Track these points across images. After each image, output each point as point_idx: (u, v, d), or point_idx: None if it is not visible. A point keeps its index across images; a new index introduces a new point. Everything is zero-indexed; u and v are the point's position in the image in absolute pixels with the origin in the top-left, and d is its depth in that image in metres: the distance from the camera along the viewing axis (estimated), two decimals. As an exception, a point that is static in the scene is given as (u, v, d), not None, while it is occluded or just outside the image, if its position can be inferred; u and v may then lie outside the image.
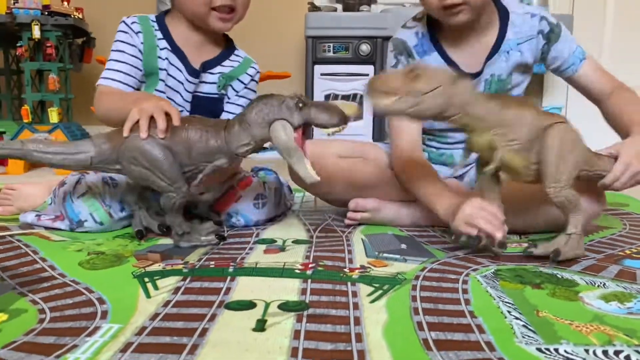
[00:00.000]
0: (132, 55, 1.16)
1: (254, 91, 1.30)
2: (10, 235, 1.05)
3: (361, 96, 2.55)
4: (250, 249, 1.00)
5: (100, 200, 1.09)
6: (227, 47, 1.27)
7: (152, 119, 0.98)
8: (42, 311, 0.69)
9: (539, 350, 0.61)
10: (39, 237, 1.05)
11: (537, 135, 0.95)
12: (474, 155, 1.25)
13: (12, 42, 2.39)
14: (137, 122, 0.97)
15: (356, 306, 0.72)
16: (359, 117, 2.59)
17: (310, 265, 0.87)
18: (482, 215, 0.97)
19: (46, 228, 1.10)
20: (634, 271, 0.89)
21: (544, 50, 1.21)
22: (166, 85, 1.19)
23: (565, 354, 0.60)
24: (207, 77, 1.23)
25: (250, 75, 1.27)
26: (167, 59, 1.19)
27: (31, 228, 1.11)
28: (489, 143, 0.94)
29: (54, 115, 2.06)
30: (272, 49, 2.84)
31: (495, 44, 1.20)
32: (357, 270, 0.87)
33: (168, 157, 0.97)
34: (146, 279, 0.81)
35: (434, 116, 0.92)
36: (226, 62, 1.25)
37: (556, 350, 0.61)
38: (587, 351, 0.61)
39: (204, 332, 0.63)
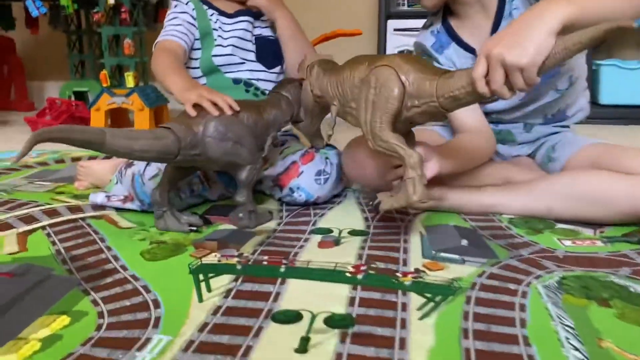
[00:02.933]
0: (187, 21, 1.27)
1: None
2: (83, 219, 1.11)
3: (436, 53, 2.43)
4: (306, 240, 1.00)
5: None
6: None
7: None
8: (101, 315, 0.72)
9: (594, 395, 0.57)
10: (108, 221, 1.10)
11: (358, 90, 0.96)
12: (539, 131, 1.25)
13: (92, 4, 2.46)
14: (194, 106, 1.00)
15: (403, 324, 0.70)
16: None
17: (362, 268, 0.86)
18: None
19: (117, 209, 1.16)
20: None
21: None
22: (224, 38, 1.28)
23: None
24: (257, 22, 1.33)
25: None
26: (218, 20, 1.29)
27: (102, 209, 1.17)
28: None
29: (130, 80, 2.13)
30: (342, 3, 2.74)
31: (497, 12, 1.15)
32: (410, 275, 0.84)
33: (249, 130, 1.02)
34: (200, 277, 0.83)
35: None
36: None
37: (614, 396, 0.57)
38: (649, 400, 0.56)
39: (248, 351, 0.64)
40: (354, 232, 1.04)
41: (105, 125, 2.21)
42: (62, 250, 0.95)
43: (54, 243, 0.98)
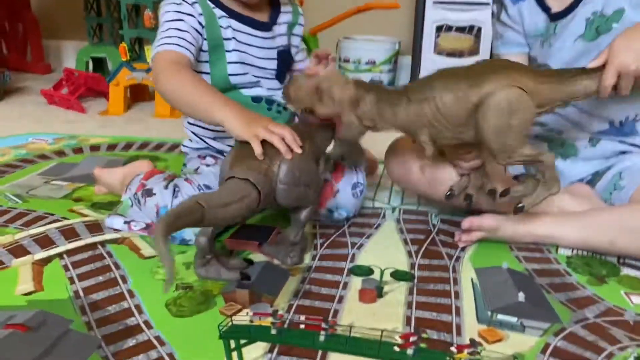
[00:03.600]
0: (194, 28, 1.04)
1: (305, 49, 1.25)
2: (102, 244, 1.03)
3: (478, 29, 2.24)
4: (345, 285, 0.91)
5: None
6: (272, 2, 1.17)
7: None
8: (123, 401, 0.65)
9: None
10: (130, 247, 1.02)
11: (468, 114, 0.88)
12: (605, 147, 1.14)
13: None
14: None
15: None
16: (474, 52, 2.30)
17: (411, 339, 0.77)
18: None
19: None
20: None
21: None
22: (239, 51, 1.09)
23: None
24: (277, 29, 1.16)
25: (302, 25, 1.22)
26: (229, 26, 1.08)
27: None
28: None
29: (149, 55, 1.99)
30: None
31: None
32: (466, 351, 0.75)
33: (316, 168, 0.92)
34: (232, 344, 0.75)
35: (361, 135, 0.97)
36: (283, 9, 1.17)
37: None
38: None
39: None
40: (397, 275, 0.94)
41: (125, 100, 2.09)
42: (81, 292, 0.87)
43: (71, 280, 0.91)
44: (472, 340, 0.77)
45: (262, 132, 0.86)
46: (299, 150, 0.87)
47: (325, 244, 1.05)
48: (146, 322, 0.80)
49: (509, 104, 0.86)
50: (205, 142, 1.16)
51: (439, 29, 2.27)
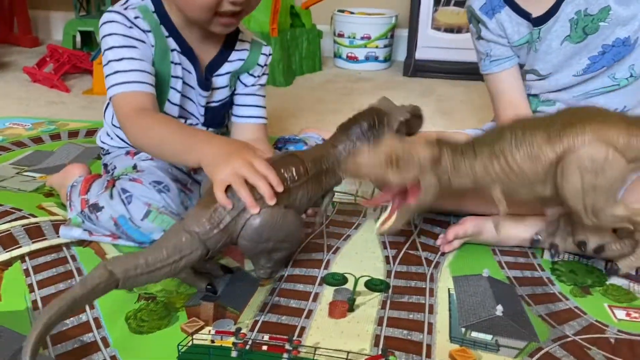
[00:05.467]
0: (147, 55, 0.95)
1: (267, 74, 1.13)
2: (67, 246, 0.99)
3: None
4: (315, 297, 0.87)
5: (169, 213, 0.94)
6: (227, 41, 1.07)
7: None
8: None
9: None
10: (96, 252, 0.97)
11: (545, 171, 0.80)
12: None
13: None
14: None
15: None
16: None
17: (378, 363, 0.73)
18: None
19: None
20: None
21: None
22: (182, 95, 1.03)
23: None
24: (216, 81, 1.06)
25: (261, 65, 1.10)
26: (180, 64, 1.00)
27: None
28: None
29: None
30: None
31: None
32: (434, 375, 0.72)
33: (300, 222, 0.85)
34: (190, 366, 0.72)
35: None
36: (233, 56, 1.06)
37: None
38: None
39: None
40: (371, 284, 0.90)
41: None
42: (40, 303, 0.84)
43: (31, 287, 0.87)
44: (442, 363, 0.74)
45: (229, 177, 0.77)
46: (271, 203, 0.77)
47: (301, 247, 1.01)
48: (103, 339, 0.76)
49: (594, 163, 0.76)
50: (128, 144, 1.07)
51: (436, 1, 2.17)
